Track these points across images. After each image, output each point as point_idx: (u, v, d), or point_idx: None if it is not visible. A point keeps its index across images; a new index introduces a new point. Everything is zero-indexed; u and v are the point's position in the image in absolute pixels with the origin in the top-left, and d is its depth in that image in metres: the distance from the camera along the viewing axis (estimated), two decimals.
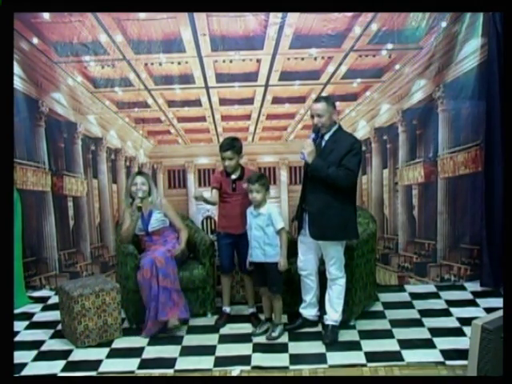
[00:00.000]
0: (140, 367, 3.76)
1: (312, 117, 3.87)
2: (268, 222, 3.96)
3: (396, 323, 4.24)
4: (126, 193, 4.45)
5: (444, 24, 4.62)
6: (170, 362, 3.80)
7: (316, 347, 3.93)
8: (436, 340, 3.97)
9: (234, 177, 4.19)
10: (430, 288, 4.91)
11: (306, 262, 4.06)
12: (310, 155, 3.77)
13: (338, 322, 4.05)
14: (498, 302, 4.20)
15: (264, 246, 3.97)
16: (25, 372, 3.74)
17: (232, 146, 4.10)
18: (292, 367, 3.70)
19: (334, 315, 4.03)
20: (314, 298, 4.16)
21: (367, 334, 4.07)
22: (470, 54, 4.67)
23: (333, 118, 3.85)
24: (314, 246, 3.99)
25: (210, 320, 4.41)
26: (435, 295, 4.76)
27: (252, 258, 4.05)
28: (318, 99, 3.92)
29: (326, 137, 3.88)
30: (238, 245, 4.24)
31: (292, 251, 4.10)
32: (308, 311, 4.20)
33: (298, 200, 4.08)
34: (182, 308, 4.15)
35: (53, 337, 4.22)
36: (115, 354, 3.96)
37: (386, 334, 4.08)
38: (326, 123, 3.83)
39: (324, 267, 4.03)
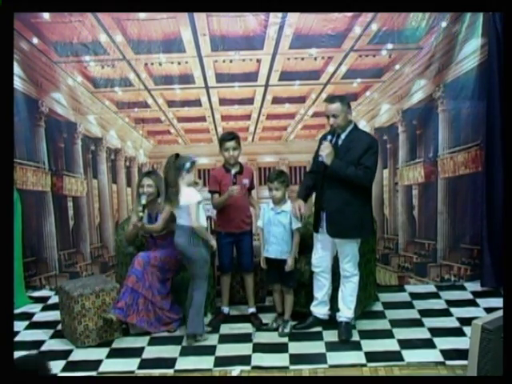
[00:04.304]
0: (140, 367, 3.76)
1: (327, 117, 3.85)
2: (291, 220, 3.99)
3: (396, 323, 4.23)
4: (136, 194, 4.30)
5: (444, 24, 4.62)
6: (170, 362, 3.79)
7: (316, 347, 3.93)
8: (436, 340, 3.97)
9: (234, 171, 4.17)
10: (430, 288, 4.90)
11: (321, 259, 4.06)
12: (328, 156, 3.77)
13: (351, 319, 4.06)
14: (498, 302, 4.20)
15: (283, 243, 4.00)
16: None
17: (236, 136, 4.16)
18: (292, 367, 3.69)
19: (347, 312, 4.04)
20: (326, 296, 4.15)
21: (367, 334, 4.07)
22: (470, 54, 4.67)
23: (348, 117, 3.84)
24: (330, 244, 4.00)
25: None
26: (435, 295, 4.76)
27: (269, 253, 4.05)
28: (332, 99, 3.86)
29: (343, 136, 3.87)
30: (239, 244, 4.24)
31: (299, 250, 4.11)
32: (319, 309, 4.18)
33: (314, 200, 4.08)
34: (146, 319, 4.09)
35: (53, 337, 4.22)
36: (115, 354, 3.96)
37: (386, 334, 4.08)
38: (342, 123, 3.82)
39: (337, 265, 4.04)
